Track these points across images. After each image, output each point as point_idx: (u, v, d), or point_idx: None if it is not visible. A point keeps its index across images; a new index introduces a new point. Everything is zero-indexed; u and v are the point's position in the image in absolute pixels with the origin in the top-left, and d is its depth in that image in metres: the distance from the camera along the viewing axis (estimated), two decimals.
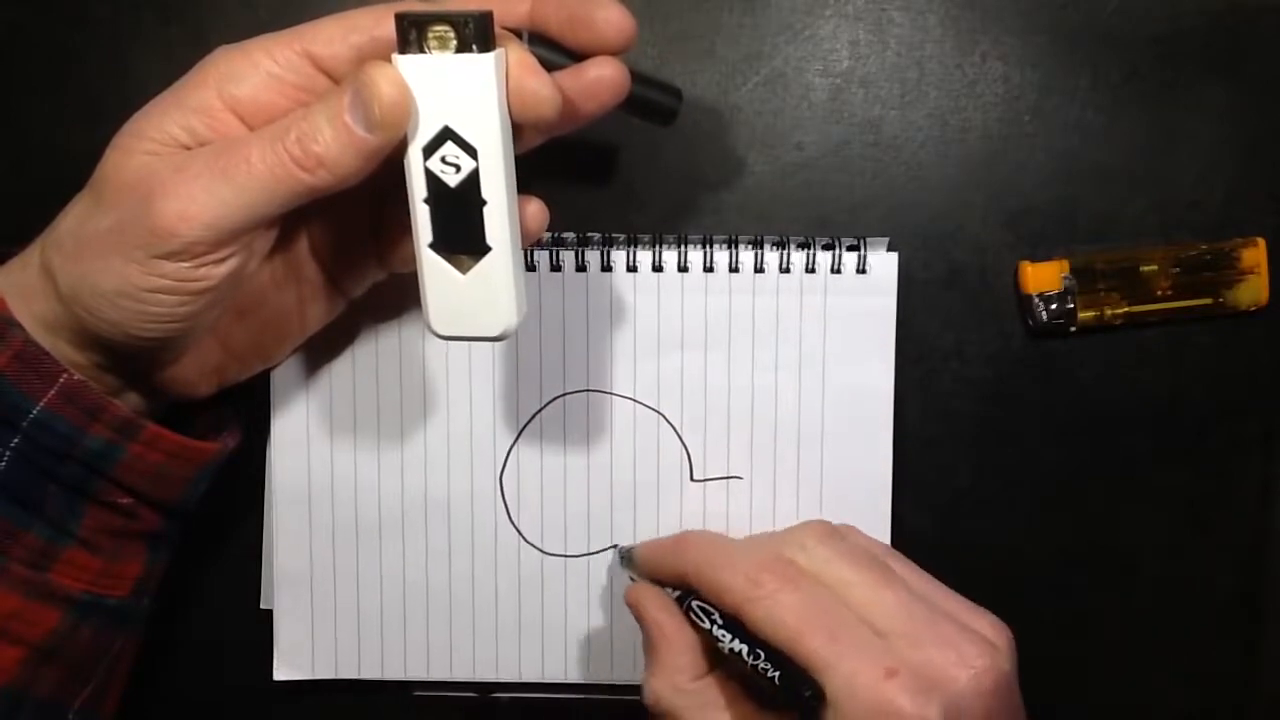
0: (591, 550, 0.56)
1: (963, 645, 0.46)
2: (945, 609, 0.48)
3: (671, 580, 0.52)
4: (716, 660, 0.50)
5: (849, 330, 0.55)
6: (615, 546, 0.56)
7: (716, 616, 0.48)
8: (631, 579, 0.54)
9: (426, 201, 0.42)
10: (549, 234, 0.54)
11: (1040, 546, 0.57)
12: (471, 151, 0.41)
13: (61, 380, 0.44)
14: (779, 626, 0.46)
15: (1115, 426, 0.57)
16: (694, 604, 0.49)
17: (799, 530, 0.51)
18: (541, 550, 0.56)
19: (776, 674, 0.46)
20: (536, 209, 0.46)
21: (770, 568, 0.47)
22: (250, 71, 0.42)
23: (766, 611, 0.46)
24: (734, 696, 0.48)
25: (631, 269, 0.54)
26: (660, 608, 0.51)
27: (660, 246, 0.54)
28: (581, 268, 0.54)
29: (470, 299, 0.43)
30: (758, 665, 0.46)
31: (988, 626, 0.48)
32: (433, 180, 0.42)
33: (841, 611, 0.46)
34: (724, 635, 0.48)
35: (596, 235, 0.55)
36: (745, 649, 0.47)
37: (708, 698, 0.49)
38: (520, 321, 0.44)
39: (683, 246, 0.54)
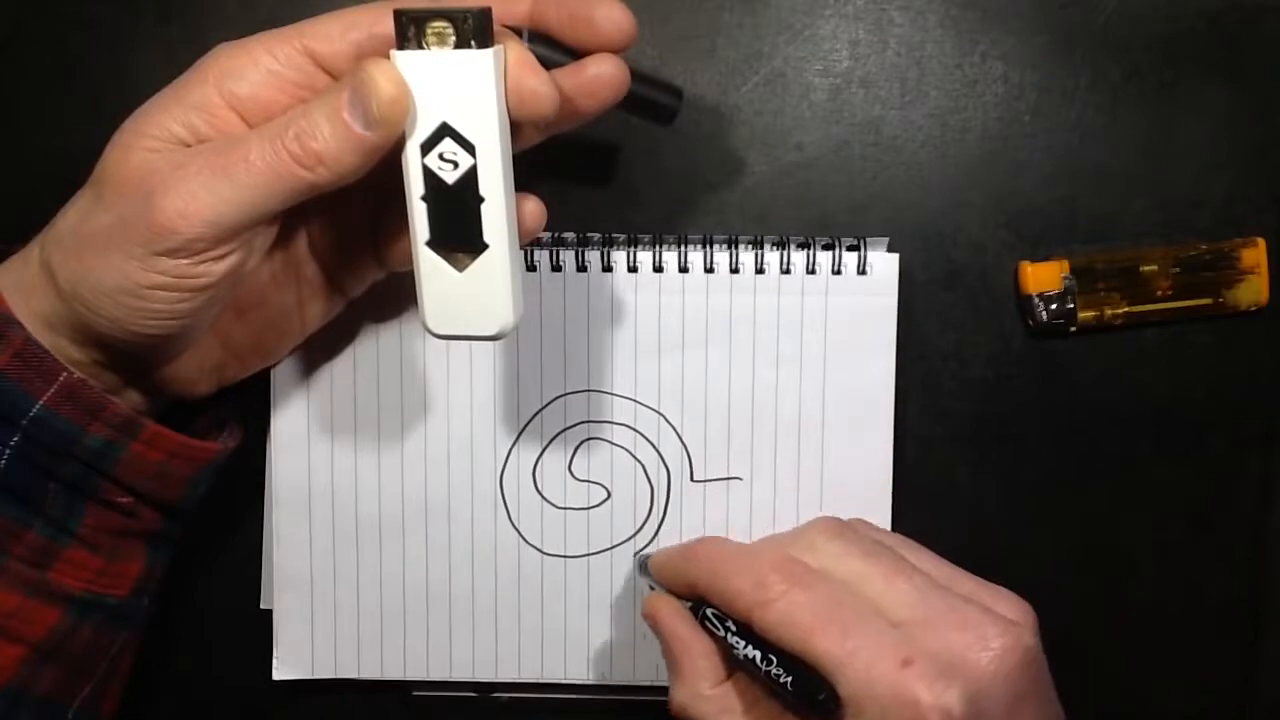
0: (591, 551, 0.56)
1: (982, 626, 0.45)
2: (963, 592, 0.47)
3: (684, 590, 0.51)
4: (738, 663, 0.49)
5: (850, 331, 0.55)
6: (637, 553, 0.56)
7: (730, 624, 0.48)
8: (651, 588, 0.54)
9: (424, 199, 0.42)
10: (549, 233, 0.54)
11: (1040, 546, 0.57)
12: (470, 148, 0.41)
13: (61, 378, 0.44)
14: (790, 629, 0.45)
15: (1115, 426, 0.57)
16: (708, 612, 0.49)
17: (807, 529, 0.51)
18: (541, 551, 0.56)
19: (789, 679, 0.45)
20: (534, 207, 0.46)
21: (778, 569, 0.47)
22: (250, 68, 0.42)
23: (776, 615, 0.46)
24: (756, 699, 0.48)
25: (632, 269, 0.54)
26: (675, 617, 0.51)
27: (660, 247, 0.54)
28: (582, 268, 0.54)
29: (467, 297, 0.43)
30: (770, 671, 0.46)
31: (1008, 606, 0.47)
32: (430, 177, 0.42)
33: (854, 606, 0.46)
34: (738, 642, 0.47)
35: (596, 235, 0.55)
36: (758, 655, 0.46)
37: (729, 703, 0.49)
38: (518, 321, 0.44)
39: (683, 247, 0.54)
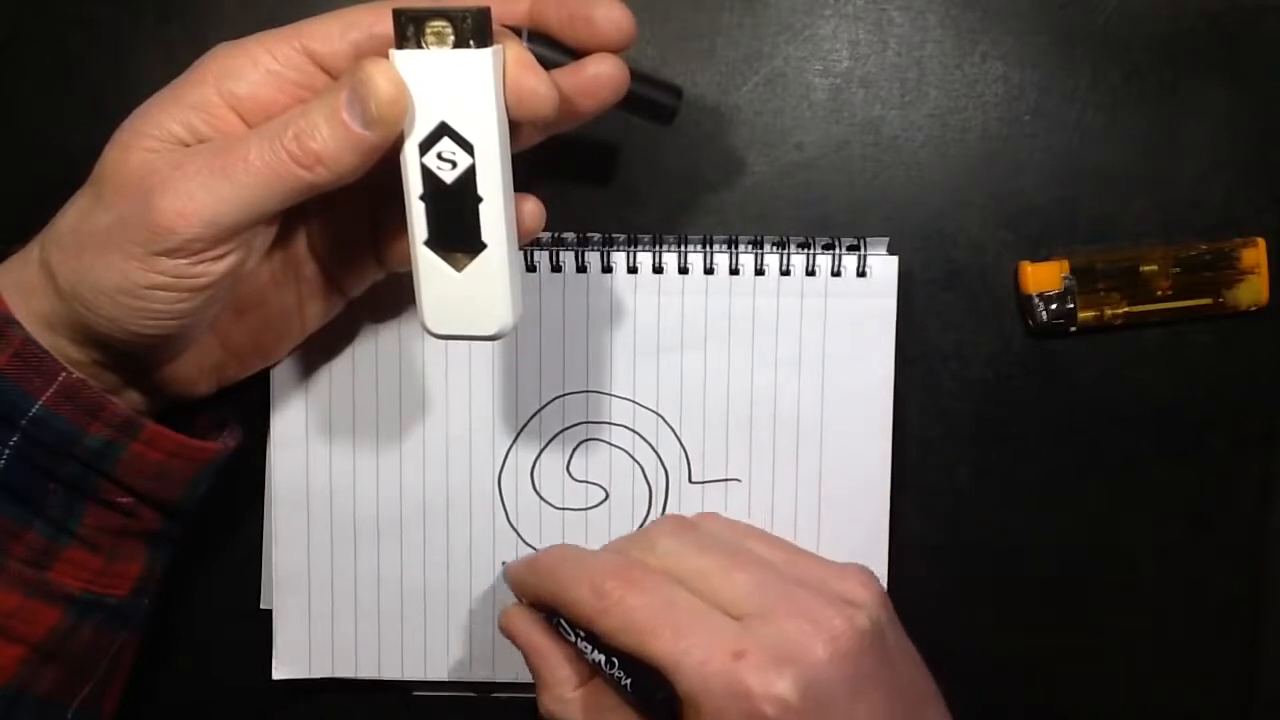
0: None
1: (818, 612, 0.45)
2: (806, 578, 0.48)
3: (535, 601, 0.51)
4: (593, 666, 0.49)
5: (849, 333, 0.55)
6: (504, 562, 0.56)
7: (580, 629, 0.48)
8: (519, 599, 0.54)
9: (422, 198, 0.42)
10: (549, 234, 0.54)
11: (1040, 546, 0.57)
12: (468, 148, 0.41)
13: (61, 378, 0.44)
14: (627, 633, 0.45)
15: (1115, 426, 0.56)
16: (559, 620, 0.49)
17: (649, 529, 0.52)
18: (539, 551, 0.56)
19: (629, 681, 0.46)
20: (533, 207, 0.46)
21: (616, 574, 0.47)
22: (250, 68, 0.42)
23: (614, 621, 0.46)
24: (620, 698, 0.48)
25: (632, 270, 0.54)
26: (529, 628, 0.51)
27: (660, 247, 0.54)
28: (582, 269, 0.54)
29: (466, 297, 0.43)
30: (614, 674, 0.46)
31: (852, 586, 0.47)
32: (429, 177, 0.42)
33: (689, 604, 0.46)
34: (586, 647, 0.47)
35: (596, 235, 0.55)
36: (603, 659, 0.47)
37: (593, 702, 0.49)
38: (516, 321, 0.44)
39: (683, 247, 0.54)
